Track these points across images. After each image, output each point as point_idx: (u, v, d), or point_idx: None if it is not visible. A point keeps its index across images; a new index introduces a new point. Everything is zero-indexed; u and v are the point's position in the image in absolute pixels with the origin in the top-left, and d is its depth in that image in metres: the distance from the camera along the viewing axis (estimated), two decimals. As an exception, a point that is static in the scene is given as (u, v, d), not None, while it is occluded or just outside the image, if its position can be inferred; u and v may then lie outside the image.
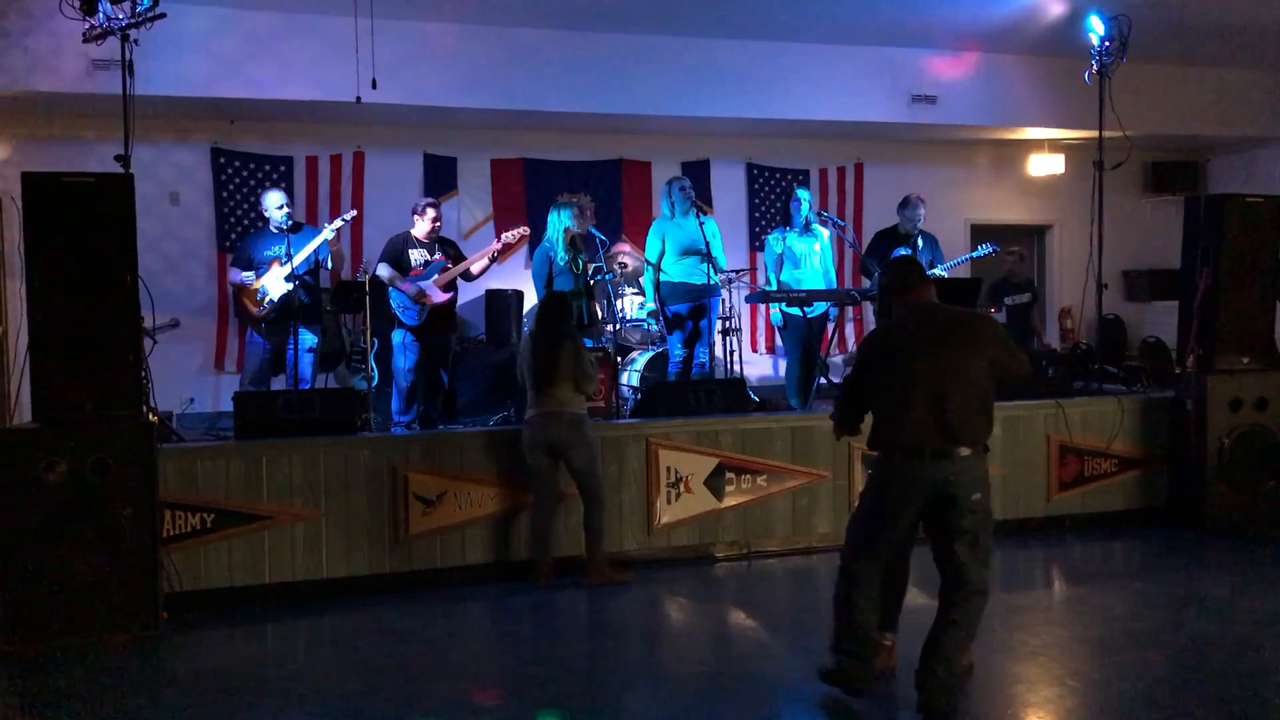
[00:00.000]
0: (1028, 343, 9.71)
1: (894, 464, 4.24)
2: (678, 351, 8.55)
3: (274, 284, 7.52)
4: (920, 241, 8.71)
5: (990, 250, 9.12)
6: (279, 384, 7.79)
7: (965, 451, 4.13)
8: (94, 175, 5.50)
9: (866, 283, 8.74)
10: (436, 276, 7.78)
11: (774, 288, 8.58)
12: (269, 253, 7.59)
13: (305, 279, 7.65)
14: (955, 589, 4.20)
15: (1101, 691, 4.47)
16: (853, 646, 4.34)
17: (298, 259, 7.47)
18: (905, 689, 4.45)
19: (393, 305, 7.76)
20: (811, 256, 8.62)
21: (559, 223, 7.97)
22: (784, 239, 8.63)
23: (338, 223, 7.81)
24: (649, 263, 8.66)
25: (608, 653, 5.27)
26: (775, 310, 8.60)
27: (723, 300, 8.59)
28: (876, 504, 4.32)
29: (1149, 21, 8.35)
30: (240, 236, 9.09)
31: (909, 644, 4.66)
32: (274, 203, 7.67)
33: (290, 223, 7.56)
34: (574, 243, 8.05)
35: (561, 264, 7.96)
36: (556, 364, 6.10)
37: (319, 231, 7.68)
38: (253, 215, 9.42)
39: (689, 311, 8.45)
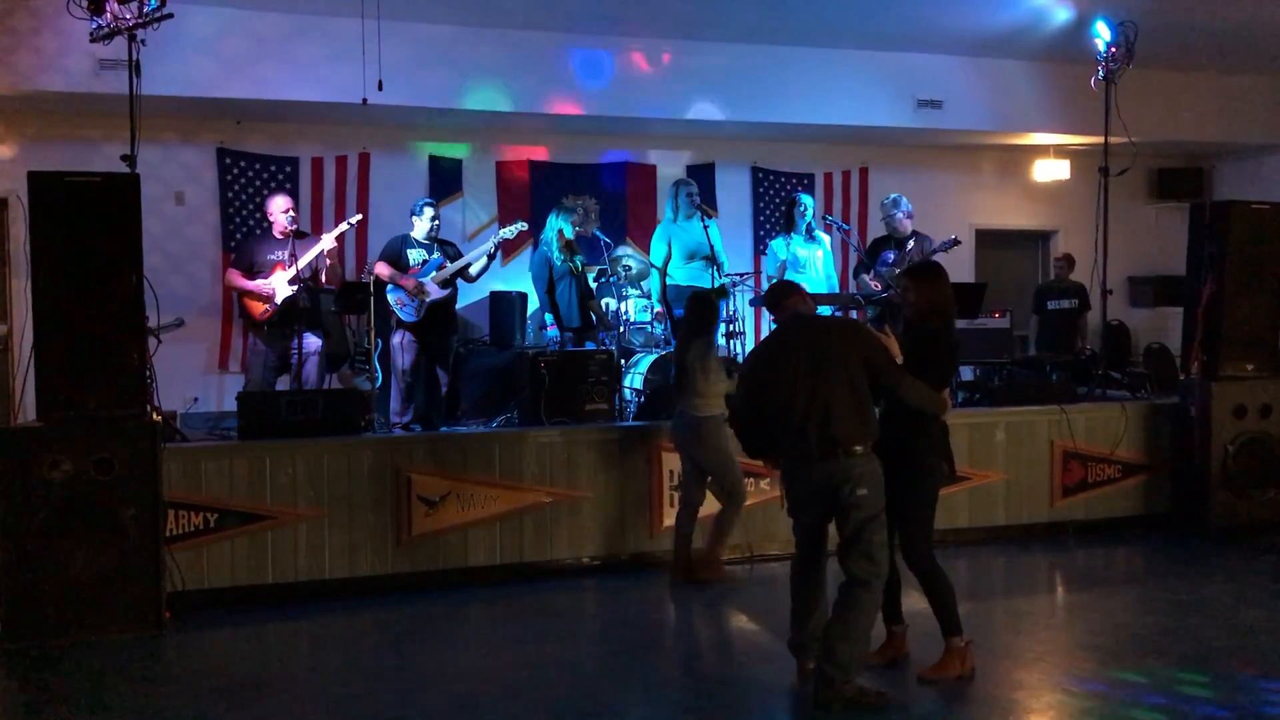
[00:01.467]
0: (1066, 348, 9.62)
1: (789, 468, 4.46)
2: None
3: (278, 286, 7.50)
4: (910, 243, 8.66)
5: (952, 242, 8.87)
6: (283, 385, 7.78)
7: (849, 451, 4.25)
8: (100, 175, 5.52)
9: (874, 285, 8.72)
10: (434, 274, 7.79)
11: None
12: (272, 256, 7.58)
13: (307, 283, 7.63)
14: (845, 582, 4.32)
15: (1104, 698, 4.45)
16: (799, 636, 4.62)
17: (301, 261, 7.46)
18: (913, 695, 4.46)
19: (390, 303, 7.77)
20: (814, 262, 8.62)
21: (554, 225, 8.05)
22: (787, 245, 8.64)
23: (343, 226, 7.79)
24: (655, 267, 8.67)
25: (610, 655, 5.27)
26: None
27: (727, 304, 8.58)
28: (790, 505, 4.56)
29: (1155, 27, 8.34)
30: (245, 237, 9.09)
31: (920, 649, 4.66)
32: (280, 207, 7.66)
33: (295, 227, 7.56)
34: (569, 246, 8.08)
35: (560, 266, 8.00)
36: (683, 366, 6.20)
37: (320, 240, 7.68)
38: (258, 215, 9.42)
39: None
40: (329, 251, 7.57)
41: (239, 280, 7.61)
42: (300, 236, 7.60)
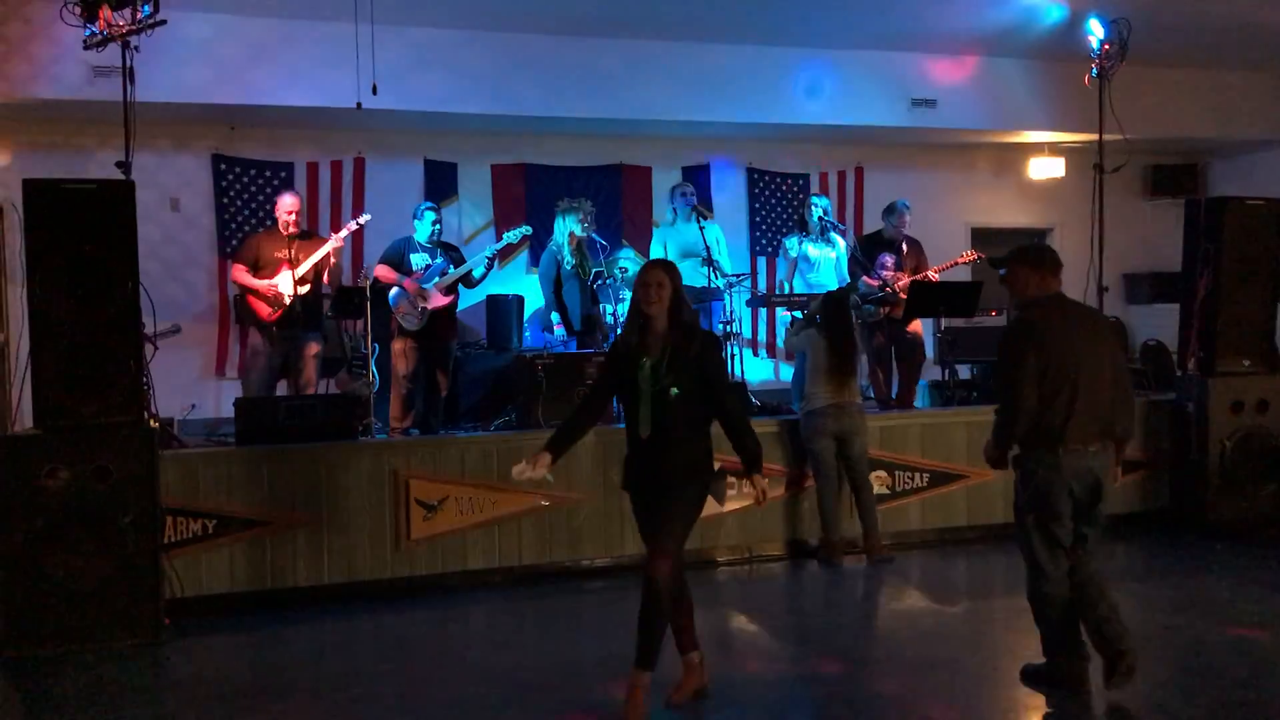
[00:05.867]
0: None
1: (1056, 460, 4.28)
2: None
3: (285, 287, 7.48)
4: (905, 247, 8.69)
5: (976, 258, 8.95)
6: (281, 389, 7.78)
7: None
8: (95, 182, 5.52)
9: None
10: (438, 280, 7.79)
11: (788, 292, 8.66)
12: (279, 254, 7.54)
13: (320, 286, 7.64)
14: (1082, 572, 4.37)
15: (1103, 695, 4.45)
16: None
17: (310, 261, 7.45)
18: (914, 695, 4.45)
19: (393, 311, 7.76)
20: (826, 263, 8.70)
21: (564, 228, 8.05)
22: (799, 244, 8.71)
23: (352, 225, 7.80)
24: None
25: (609, 657, 5.24)
26: (788, 315, 8.64)
27: (723, 305, 8.59)
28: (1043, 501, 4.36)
29: (1149, 24, 8.34)
30: (251, 232, 9.03)
31: (925, 647, 4.64)
32: (285, 206, 7.64)
33: (297, 230, 7.58)
34: (580, 247, 8.10)
35: (569, 268, 8.02)
36: (852, 359, 6.55)
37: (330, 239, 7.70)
38: (254, 221, 9.42)
39: (687, 315, 8.47)
40: (334, 251, 7.59)
41: (245, 278, 7.55)
42: (305, 237, 7.61)
